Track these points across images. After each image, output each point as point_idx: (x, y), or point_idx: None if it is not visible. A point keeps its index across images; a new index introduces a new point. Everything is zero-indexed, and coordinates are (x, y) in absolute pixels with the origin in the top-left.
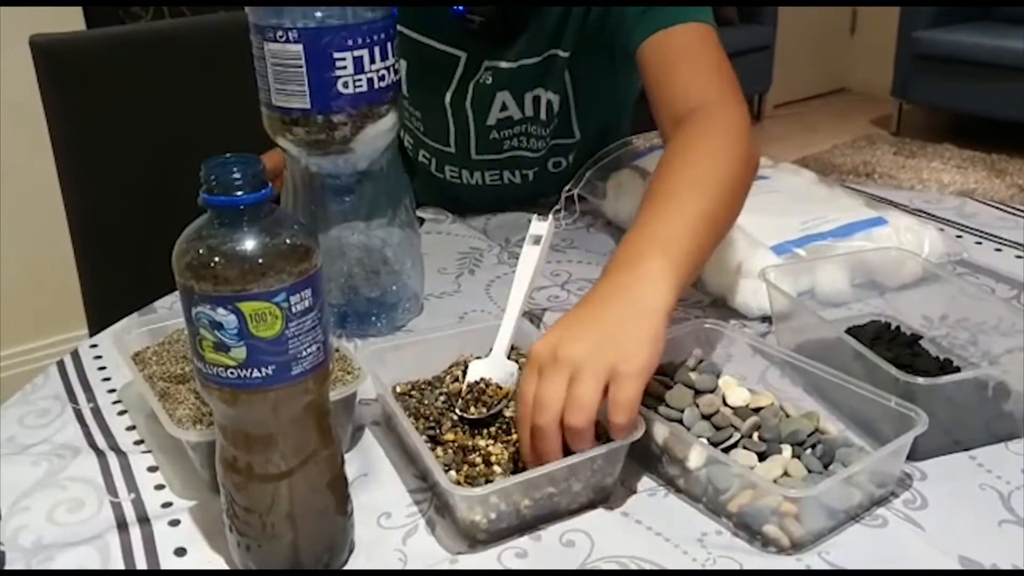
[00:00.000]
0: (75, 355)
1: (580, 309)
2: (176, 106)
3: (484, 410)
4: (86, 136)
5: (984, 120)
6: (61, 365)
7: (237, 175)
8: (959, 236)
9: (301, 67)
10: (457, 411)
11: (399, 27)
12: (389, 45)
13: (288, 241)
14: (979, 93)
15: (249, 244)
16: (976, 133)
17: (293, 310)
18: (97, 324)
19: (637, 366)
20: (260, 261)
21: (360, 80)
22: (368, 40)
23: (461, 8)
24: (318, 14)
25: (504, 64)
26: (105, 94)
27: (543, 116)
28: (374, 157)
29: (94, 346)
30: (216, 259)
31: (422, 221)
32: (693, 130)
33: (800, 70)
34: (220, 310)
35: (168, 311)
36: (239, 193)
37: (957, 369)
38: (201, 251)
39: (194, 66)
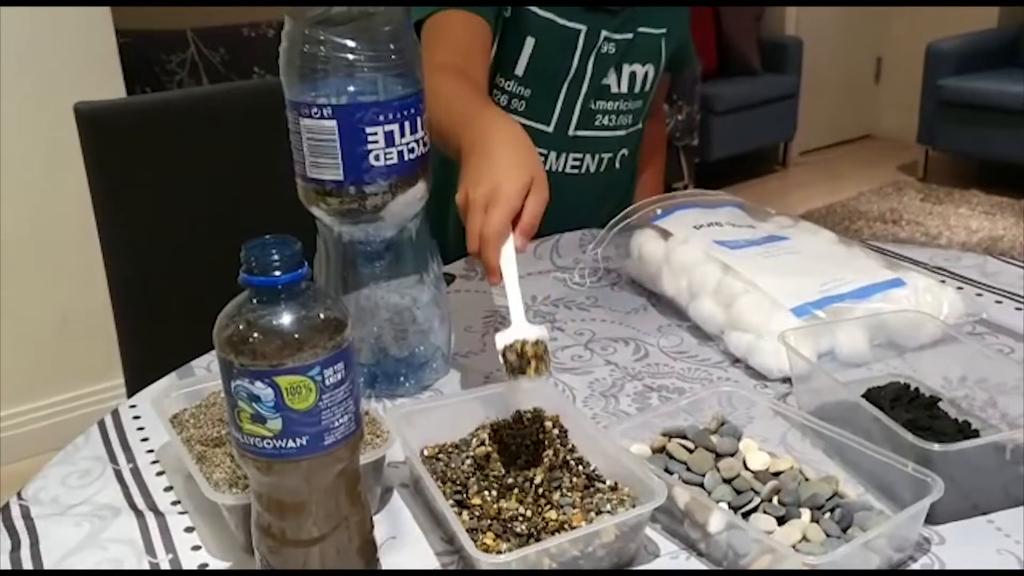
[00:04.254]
0: (115, 415)
1: None
2: (212, 168)
3: (544, 368)
4: (126, 197)
5: (1011, 166)
6: (102, 425)
7: (275, 256)
8: (979, 295)
9: (335, 141)
10: (516, 376)
11: (528, 7)
12: (419, 119)
13: (322, 316)
14: (1006, 139)
15: (286, 320)
16: (1003, 179)
17: (326, 383)
18: (132, 375)
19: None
20: (296, 336)
21: (391, 153)
22: (398, 115)
23: None
24: (351, 88)
25: (620, 36)
26: (144, 157)
27: (636, 89)
28: (404, 225)
29: (133, 406)
30: (255, 335)
31: (453, 278)
32: None
33: (825, 117)
34: (258, 383)
35: (205, 372)
36: (276, 273)
37: (976, 432)
38: (241, 327)
39: (229, 130)
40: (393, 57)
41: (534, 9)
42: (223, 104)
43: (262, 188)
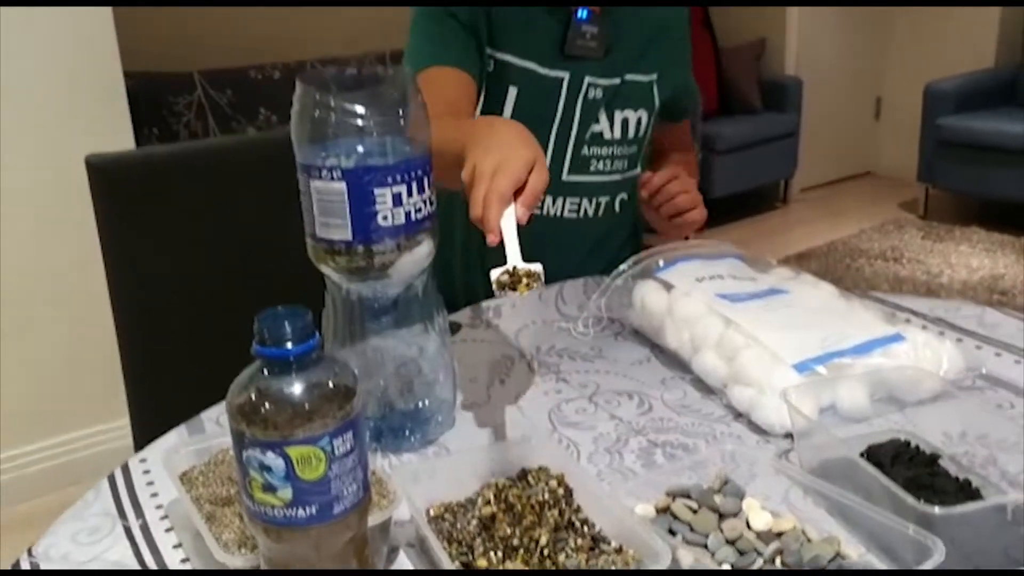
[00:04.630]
0: (125, 469)
1: None
2: (221, 219)
3: (535, 284)
4: (135, 246)
5: (1012, 204)
6: (112, 479)
7: (287, 328)
8: (978, 347)
9: (344, 203)
10: (506, 291)
11: (506, 56)
12: (425, 180)
13: (332, 384)
14: (1005, 178)
15: (297, 390)
16: (1004, 217)
17: (336, 452)
18: (138, 417)
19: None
20: (306, 407)
21: (399, 213)
22: (406, 177)
23: (584, 15)
24: (360, 151)
25: (607, 81)
26: (155, 208)
27: (630, 135)
28: (411, 282)
29: (143, 460)
30: (266, 405)
31: (458, 327)
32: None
33: (826, 155)
34: (269, 454)
35: (215, 426)
36: (288, 344)
37: (977, 491)
38: (253, 397)
39: (239, 181)
40: (401, 121)
41: (513, 60)
42: (234, 156)
43: (270, 239)
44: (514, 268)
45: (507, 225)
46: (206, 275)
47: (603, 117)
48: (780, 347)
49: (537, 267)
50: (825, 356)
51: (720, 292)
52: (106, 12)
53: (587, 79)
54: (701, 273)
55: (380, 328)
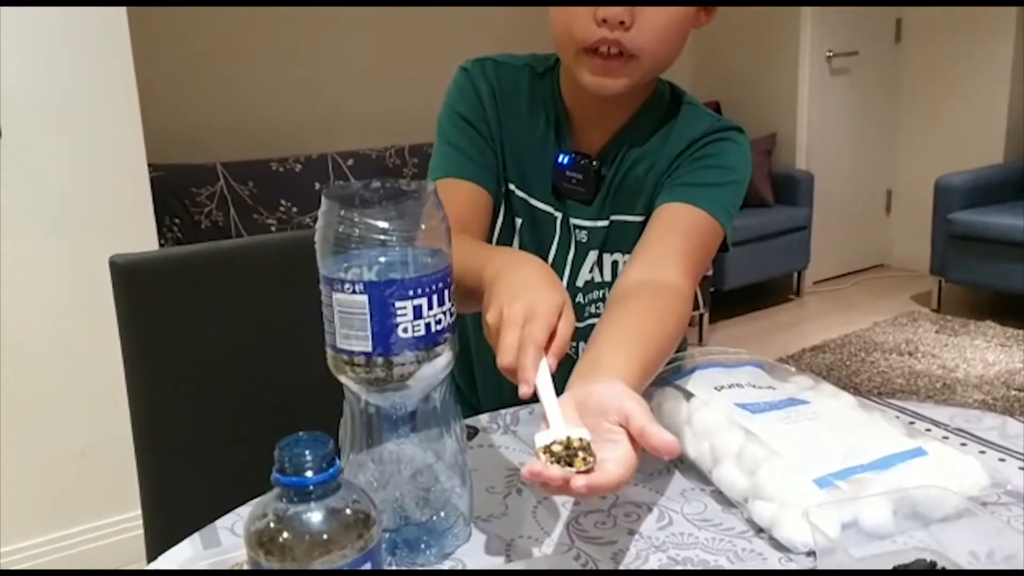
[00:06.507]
0: None
1: None
2: (240, 321)
3: (591, 460)
4: (155, 344)
5: None
6: None
7: (307, 457)
8: (1002, 460)
9: (365, 315)
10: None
11: (511, 183)
12: (446, 292)
13: (350, 512)
14: (1018, 272)
15: (315, 519)
16: (1018, 310)
17: None
18: (150, 510)
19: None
20: (325, 537)
21: (419, 325)
22: (427, 290)
23: (566, 161)
24: (382, 259)
25: (592, 223)
26: (175, 308)
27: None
28: (429, 393)
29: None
30: (284, 534)
31: (476, 432)
32: (654, 294)
33: (838, 248)
34: None
35: (229, 534)
36: (308, 473)
37: None
38: (271, 524)
39: (262, 282)
40: (423, 234)
41: (515, 189)
42: (257, 256)
43: (290, 341)
44: (567, 439)
45: (543, 380)
46: (224, 376)
47: (594, 265)
48: (801, 461)
49: (586, 433)
50: (846, 471)
51: (740, 402)
52: (133, 105)
53: (572, 220)
54: (720, 381)
55: (398, 439)
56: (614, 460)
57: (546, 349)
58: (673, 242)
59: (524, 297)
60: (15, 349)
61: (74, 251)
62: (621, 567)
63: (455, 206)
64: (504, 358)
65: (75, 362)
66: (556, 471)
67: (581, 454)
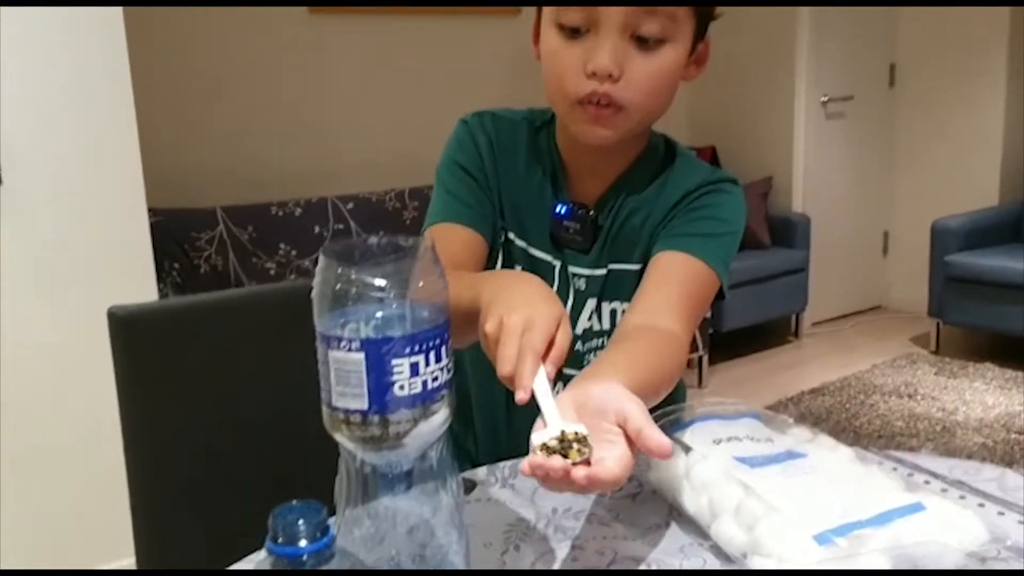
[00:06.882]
0: None
1: None
2: (238, 372)
3: (587, 450)
4: (152, 395)
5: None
6: None
7: (301, 527)
8: (1001, 513)
9: (361, 373)
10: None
11: (510, 232)
12: (443, 348)
13: None
14: (1016, 315)
15: None
16: (1016, 352)
17: None
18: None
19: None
20: None
21: (415, 382)
22: (424, 347)
23: (563, 211)
24: (379, 315)
25: (590, 272)
26: (174, 359)
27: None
28: (425, 451)
29: None
30: None
31: (473, 485)
32: (652, 336)
33: (835, 290)
34: None
35: None
36: (302, 543)
37: None
38: None
39: (259, 334)
40: (421, 291)
41: (514, 238)
42: (256, 306)
43: (289, 392)
44: (562, 433)
45: (540, 386)
46: (221, 427)
47: (592, 309)
48: (800, 517)
49: (583, 429)
50: (845, 527)
51: (738, 455)
52: (134, 151)
53: (571, 268)
54: (719, 434)
55: (394, 497)
56: (612, 459)
57: (544, 358)
58: (670, 290)
59: (522, 310)
60: (11, 395)
61: (73, 297)
62: None
63: (450, 249)
64: (504, 368)
65: (72, 408)
66: (557, 462)
67: (576, 446)
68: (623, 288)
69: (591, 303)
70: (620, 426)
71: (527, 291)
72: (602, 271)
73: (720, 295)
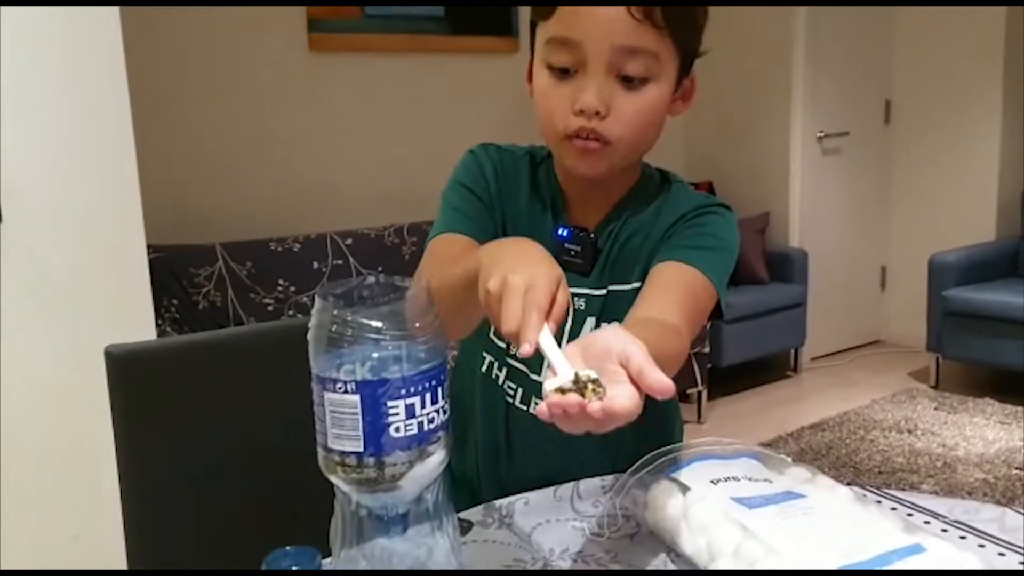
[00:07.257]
0: None
1: None
2: (236, 411)
3: (601, 390)
4: (148, 434)
5: (1023, 375)
6: None
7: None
8: (1001, 554)
9: (357, 415)
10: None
11: None
12: (440, 389)
13: None
14: (1015, 349)
15: None
16: (1016, 387)
17: None
18: None
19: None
20: None
21: (411, 424)
22: (420, 388)
23: (565, 234)
24: (375, 356)
25: (590, 292)
26: (171, 399)
27: None
28: (421, 493)
29: None
30: None
31: (470, 525)
32: (656, 323)
33: (834, 324)
34: None
35: None
36: None
37: None
38: None
39: (257, 374)
40: (417, 333)
41: None
42: (253, 345)
43: (285, 431)
44: (576, 375)
45: (546, 340)
46: (217, 465)
47: (591, 328)
48: (799, 559)
49: (594, 373)
50: (844, 570)
51: (736, 496)
52: (133, 188)
53: (571, 290)
54: (717, 474)
55: (389, 538)
56: (624, 395)
57: (546, 318)
58: (671, 293)
59: (524, 270)
60: (10, 431)
61: (71, 333)
62: None
63: (451, 253)
64: (509, 324)
65: (68, 444)
66: (574, 397)
67: (591, 386)
68: (622, 307)
69: (590, 322)
70: (623, 366)
71: (528, 252)
72: (602, 291)
73: (719, 313)
